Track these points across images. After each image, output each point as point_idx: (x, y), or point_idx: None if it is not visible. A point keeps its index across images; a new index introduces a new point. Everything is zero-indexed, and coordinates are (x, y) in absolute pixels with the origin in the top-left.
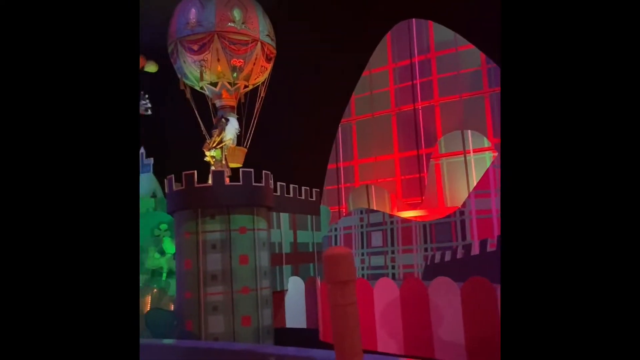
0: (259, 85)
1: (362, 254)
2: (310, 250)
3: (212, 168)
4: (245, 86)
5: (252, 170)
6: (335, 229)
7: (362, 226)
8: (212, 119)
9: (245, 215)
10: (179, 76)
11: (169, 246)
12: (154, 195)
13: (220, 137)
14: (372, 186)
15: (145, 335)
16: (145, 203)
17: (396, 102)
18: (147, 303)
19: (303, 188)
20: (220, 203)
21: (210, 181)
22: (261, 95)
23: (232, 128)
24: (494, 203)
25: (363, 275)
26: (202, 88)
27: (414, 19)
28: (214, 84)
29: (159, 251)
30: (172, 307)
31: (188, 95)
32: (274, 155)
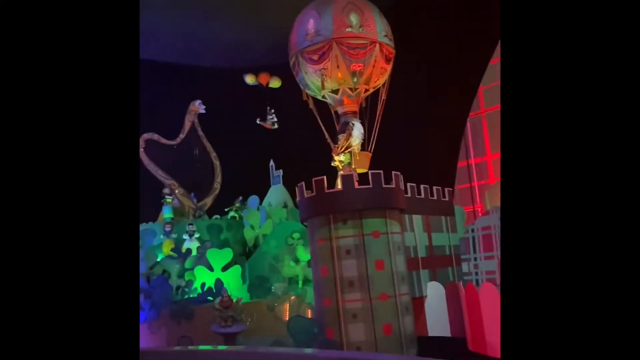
0: (379, 88)
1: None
2: (447, 253)
3: (341, 173)
4: (366, 90)
5: (381, 171)
6: (472, 230)
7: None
8: (336, 127)
9: (378, 219)
10: (302, 88)
11: (303, 254)
12: (285, 206)
13: (348, 142)
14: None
15: (289, 343)
16: (278, 213)
17: None
18: (285, 311)
19: (435, 188)
20: (351, 207)
21: (339, 186)
22: (382, 97)
23: (358, 132)
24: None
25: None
26: (324, 97)
27: None
28: (335, 92)
29: (294, 259)
30: (309, 314)
31: (311, 105)
32: (401, 157)
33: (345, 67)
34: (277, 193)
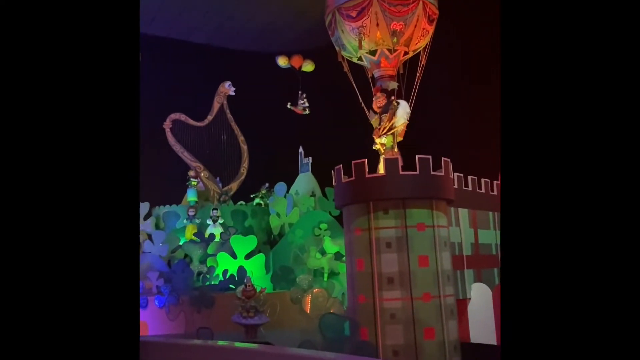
0: (419, 53)
1: None
2: (494, 253)
3: (383, 157)
4: (405, 53)
5: (429, 157)
6: None
7: None
8: (372, 91)
9: (423, 210)
10: (337, 48)
11: (330, 246)
12: (312, 195)
13: (392, 122)
14: None
15: (317, 342)
16: (305, 202)
17: None
18: (307, 303)
19: (483, 180)
20: (394, 195)
21: (382, 170)
22: (422, 63)
23: (403, 112)
24: None
25: None
26: (360, 59)
27: None
28: (373, 53)
29: (320, 251)
30: (333, 311)
31: (346, 68)
32: (441, 141)
33: (385, 25)
34: (305, 181)
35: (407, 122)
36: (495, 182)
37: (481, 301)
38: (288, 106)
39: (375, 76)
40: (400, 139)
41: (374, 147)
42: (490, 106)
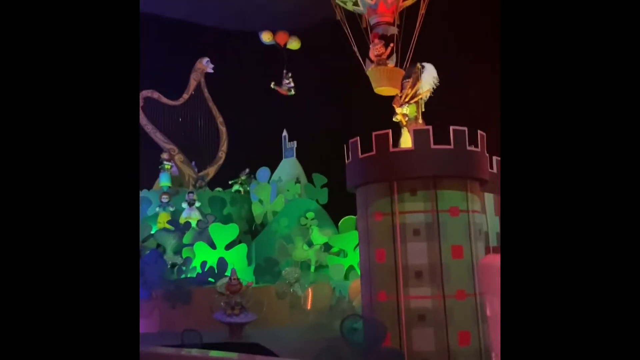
0: (420, 1)
1: None
2: None
3: (405, 129)
4: None
5: (465, 129)
6: None
7: None
8: (369, 45)
9: (458, 192)
10: None
11: (317, 237)
12: (297, 182)
13: (415, 89)
14: None
15: (341, 350)
16: (292, 189)
17: None
18: (308, 298)
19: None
20: (424, 173)
21: (406, 144)
22: (421, 12)
23: (429, 77)
24: None
25: None
26: (355, 4)
27: None
28: None
29: (307, 242)
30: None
31: (339, 16)
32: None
33: None
34: (289, 167)
35: (435, 88)
36: None
37: None
38: (272, 86)
39: (372, 23)
40: (392, 92)
41: (394, 119)
42: (491, 73)
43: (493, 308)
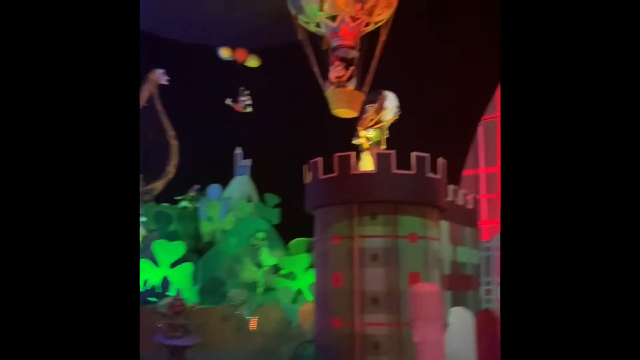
0: (380, 29)
1: None
2: (469, 273)
3: (366, 152)
4: (367, 24)
5: (428, 155)
6: (488, 249)
7: None
8: (328, 67)
9: (417, 218)
10: (293, 13)
11: (267, 258)
12: (249, 200)
13: (379, 115)
14: None
15: None
16: (243, 208)
17: None
18: (254, 321)
19: (461, 191)
20: (386, 197)
21: (367, 167)
22: (382, 38)
23: (392, 105)
24: None
25: None
26: (318, 25)
27: None
28: (333, 19)
29: (256, 263)
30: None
31: (301, 36)
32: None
33: None
34: (241, 185)
35: (397, 117)
36: (473, 196)
37: (461, 328)
38: (227, 102)
39: (333, 45)
40: (351, 114)
41: (354, 141)
42: (450, 121)
43: (422, 334)
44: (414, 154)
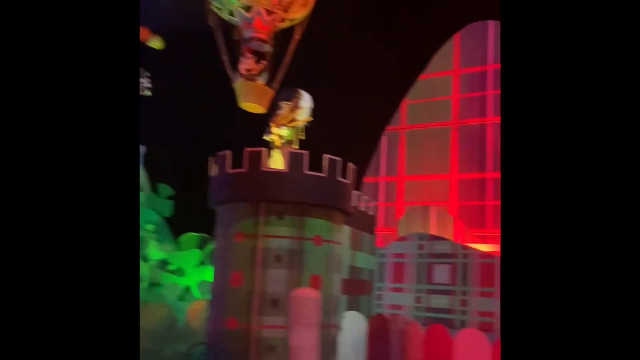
0: (294, 27)
1: (418, 291)
2: (365, 278)
3: (274, 151)
4: (282, 20)
5: (340, 159)
6: (383, 255)
7: (421, 256)
8: (239, 57)
9: (323, 221)
10: None
11: (155, 252)
12: (140, 190)
13: (294, 113)
14: (433, 208)
15: None
16: None
17: (460, 113)
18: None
19: (363, 197)
20: (295, 198)
21: (277, 165)
22: (296, 37)
23: (307, 105)
24: None
25: (417, 318)
26: (231, 13)
27: (493, 21)
28: (247, 9)
29: (142, 257)
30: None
31: (212, 22)
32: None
33: None
34: None
35: (311, 118)
36: (373, 203)
37: (354, 332)
38: None
39: (246, 36)
40: (259, 110)
41: (265, 137)
42: (353, 129)
43: (298, 339)
44: (326, 157)
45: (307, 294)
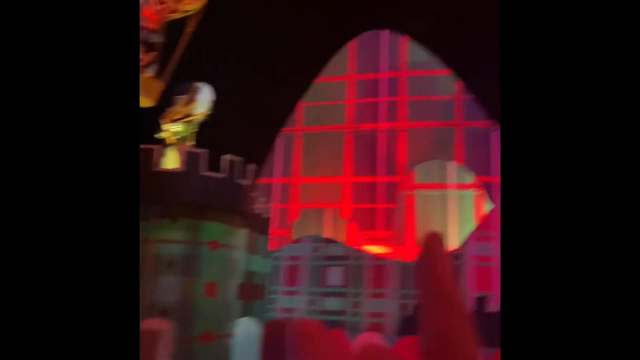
0: (186, 19)
1: (312, 293)
2: (259, 282)
3: (168, 149)
4: (173, 11)
5: (241, 159)
6: (277, 258)
7: (315, 258)
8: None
9: (221, 224)
10: None
11: None
12: None
13: (189, 108)
14: (327, 210)
15: None
16: None
17: (354, 118)
18: None
19: (260, 199)
20: (191, 199)
21: (172, 165)
22: (188, 30)
23: (204, 99)
24: (497, 249)
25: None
26: None
27: (386, 31)
28: None
29: None
30: None
31: None
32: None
33: None
34: None
35: (209, 112)
36: (268, 205)
37: (247, 339)
38: None
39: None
40: (149, 103)
41: (158, 135)
42: (246, 128)
43: None
44: (226, 157)
45: (155, 327)
